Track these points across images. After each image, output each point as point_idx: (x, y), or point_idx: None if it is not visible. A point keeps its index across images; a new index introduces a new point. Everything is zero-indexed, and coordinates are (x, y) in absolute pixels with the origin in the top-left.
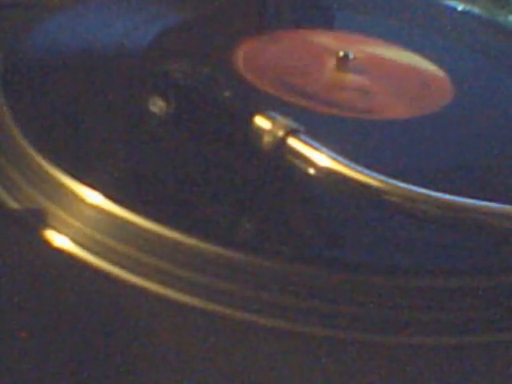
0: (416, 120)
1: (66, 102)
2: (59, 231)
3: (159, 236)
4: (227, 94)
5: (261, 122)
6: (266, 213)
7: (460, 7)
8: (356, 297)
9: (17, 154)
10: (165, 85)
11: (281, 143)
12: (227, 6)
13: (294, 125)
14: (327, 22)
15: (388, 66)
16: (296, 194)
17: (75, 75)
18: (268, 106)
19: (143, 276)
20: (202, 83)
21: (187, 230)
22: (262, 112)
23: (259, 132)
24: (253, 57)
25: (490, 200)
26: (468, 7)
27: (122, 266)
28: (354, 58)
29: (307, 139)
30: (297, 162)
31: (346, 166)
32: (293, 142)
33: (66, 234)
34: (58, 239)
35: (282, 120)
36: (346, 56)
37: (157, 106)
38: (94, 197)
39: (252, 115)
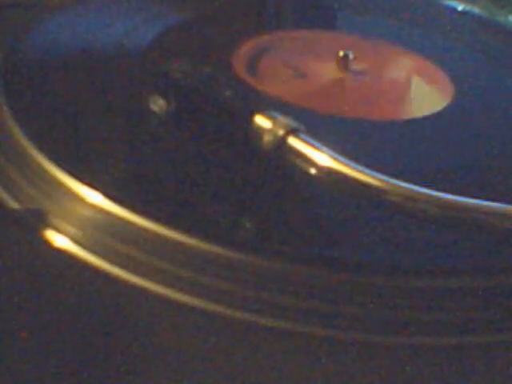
0: (416, 120)
1: (66, 102)
2: (59, 231)
3: (159, 236)
4: (227, 93)
5: (261, 121)
6: (266, 213)
7: (460, 7)
8: (356, 297)
9: (17, 153)
10: (165, 85)
11: (281, 142)
12: (227, 5)
13: (294, 124)
14: (327, 22)
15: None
16: (296, 193)
17: (75, 75)
18: (268, 105)
19: (143, 276)
20: (202, 83)
21: (187, 230)
22: (262, 111)
23: (259, 131)
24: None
25: (491, 200)
26: (468, 7)
27: (122, 266)
28: (354, 58)
29: (308, 138)
30: (297, 161)
31: (347, 165)
32: (293, 141)
33: (66, 234)
34: (58, 239)
35: (283, 119)
36: (346, 56)
37: (157, 105)
38: (93, 196)
39: (252, 115)
